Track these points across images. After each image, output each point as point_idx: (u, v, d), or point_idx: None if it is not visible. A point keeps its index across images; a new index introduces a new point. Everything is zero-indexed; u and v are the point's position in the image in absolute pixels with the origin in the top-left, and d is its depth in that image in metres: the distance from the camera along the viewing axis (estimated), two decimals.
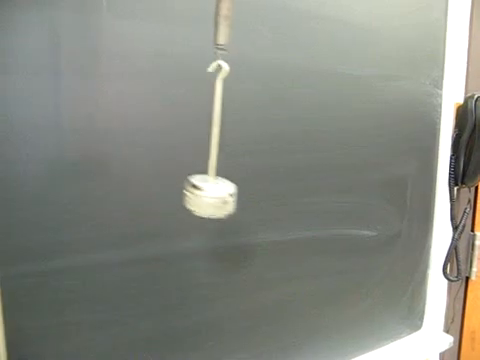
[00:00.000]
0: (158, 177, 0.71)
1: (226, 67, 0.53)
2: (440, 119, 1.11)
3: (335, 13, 0.88)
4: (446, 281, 1.16)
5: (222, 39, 0.55)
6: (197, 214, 0.48)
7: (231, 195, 0.50)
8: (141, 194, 0.70)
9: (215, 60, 0.54)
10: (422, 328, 1.17)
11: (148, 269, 0.72)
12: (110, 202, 0.67)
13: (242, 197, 0.62)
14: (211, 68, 0.54)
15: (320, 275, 0.94)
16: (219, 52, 0.54)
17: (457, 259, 1.13)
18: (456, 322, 1.24)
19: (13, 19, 0.58)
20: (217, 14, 0.55)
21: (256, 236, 0.84)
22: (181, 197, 0.71)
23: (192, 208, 0.49)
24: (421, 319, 1.17)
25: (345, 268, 0.98)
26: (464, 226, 1.14)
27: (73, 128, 0.64)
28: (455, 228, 1.14)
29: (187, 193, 0.49)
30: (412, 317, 1.15)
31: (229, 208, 0.49)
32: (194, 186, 0.49)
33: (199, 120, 0.69)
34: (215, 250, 0.80)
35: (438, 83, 1.09)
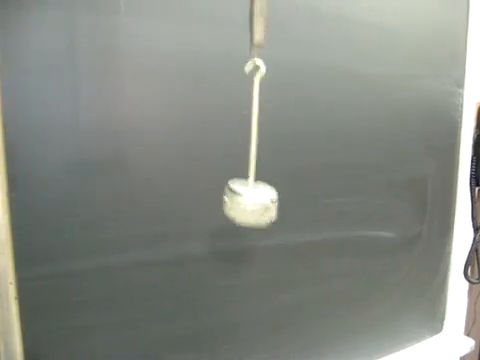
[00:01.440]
0: (175, 179, 0.71)
1: (263, 67, 0.51)
2: (461, 119, 1.10)
3: (355, 13, 0.87)
4: (467, 283, 1.15)
5: (258, 37, 0.53)
6: (238, 222, 0.47)
7: (273, 201, 0.48)
8: (158, 196, 0.69)
9: (251, 59, 0.53)
10: (443, 331, 1.17)
11: (164, 271, 0.72)
12: (126, 204, 0.67)
13: None
14: (247, 68, 0.52)
15: (339, 277, 0.94)
16: (255, 51, 0.53)
17: (478, 261, 1.12)
18: (477, 325, 1.23)
19: (30, 20, 0.57)
20: (252, 12, 0.54)
21: (274, 238, 0.83)
22: (199, 198, 0.71)
23: (232, 216, 0.47)
24: (441, 322, 1.17)
25: (364, 270, 0.98)
26: None
27: (91, 129, 0.63)
28: (476, 229, 1.13)
29: (226, 199, 0.48)
30: (433, 320, 1.15)
31: (271, 215, 0.48)
32: (233, 192, 0.48)
33: (223, 120, 0.69)
34: (233, 252, 0.79)
35: (459, 82, 1.08)
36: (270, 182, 0.78)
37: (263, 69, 0.51)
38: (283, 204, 0.80)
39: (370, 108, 0.92)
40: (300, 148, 0.83)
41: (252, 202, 0.46)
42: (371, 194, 0.96)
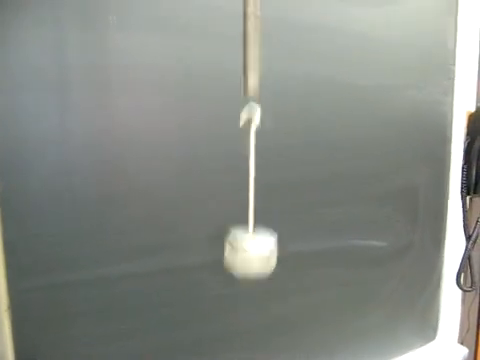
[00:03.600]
0: (173, 189, 0.76)
1: (257, 120, 0.56)
2: (452, 127, 1.15)
3: (344, 24, 0.92)
4: (460, 291, 1.21)
5: (252, 90, 0.58)
6: (241, 275, 0.52)
7: (272, 250, 0.53)
8: (156, 206, 0.74)
9: (246, 113, 0.57)
10: (436, 339, 1.22)
11: (162, 281, 0.76)
12: (124, 216, 0.72)
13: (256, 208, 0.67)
14: (242, 122, 0.56)
15: (331, 286, 0.99)
16: (251, 104, 0.57)
17: (471, 269, 1.18)
18: (471, 333, 1.29)
19: (26, 37, 0.62)
20: (245, 65, 0.58)
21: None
22: (198, 209, 0.75)
23: (235, 270, 0.52)
24: (435, 330, 1.22)
25: (356, 279, 1.03)
26: (477, 235, 1.18)
27: (86, 141, 0.68)
28: (468, 238, 1.18)
29: (227, 256, 0.53)
30: (426, 328, 1.21)
31: (272, 263, 0.53)
32: (234, 248, 0.53)
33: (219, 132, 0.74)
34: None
35: (449, 91, 1.13)
36: (261, 193, 0.85)
37: (258, 121, 0.56)
38: (274, 215, 0.86)
39: (361, 119, 0.97)
40: (291, 159, 0.88)
41: (253, 257, 0.52)
42: (362, 204, 1.01)
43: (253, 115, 0.55)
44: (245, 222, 0.54)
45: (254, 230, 0.55)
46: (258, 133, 0.76)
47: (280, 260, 0.87)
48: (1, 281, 0.43)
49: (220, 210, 0.77)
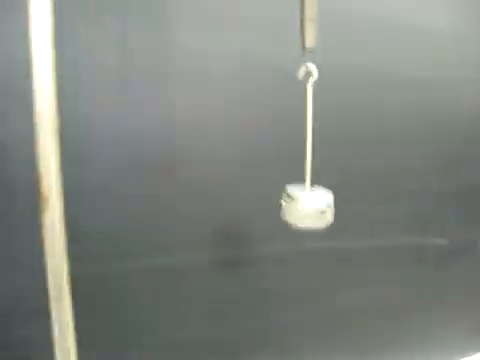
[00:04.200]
0: (228, 183, 0.78)
1: (315, 72, 0.56)
2: None
3: (406, 17, 0.90)
4: None
5: (309, 42, 0.57)
6: (294, 226, 0.52)
7: (329, 205, 0.53)
8: (201, 201, 0.76)
9: (303, 65, 0.57)
10: None
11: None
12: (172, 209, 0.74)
13: None
14: (300, 74, 0.56)
15: (385, 284, 0.97)
16: (307, 56, 0.57)
17: None
18: None
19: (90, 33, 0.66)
20: (303, 18, 0.58)
21: (317, 242, 0.88)
22: (250, 203, 0.76)
23: (289, 220, 0.53)
24: None
25: (413, 278, 1.00)
26: None
27: (138, 133, 0.71)
28: None
29: (283, 204, 0.53)
30: None
31: (328, 218, 0.52)
32: (290, 196, 0.53)
33: (275, 122, 0.74)
34: (277, 255, 0.84)
35: None
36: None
37: (316, 74, 0.55)
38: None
39: (422, 112, 0.94)
40: (347, 153, 0.87)
41: (308, 207, 0.51)
42: (422, 200, 0.97)
43: (311, 68, 0.55)
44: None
45: (311, 186, 0.54)
46: (317, 125, 0.77)
47: (331, 254, 0.88)
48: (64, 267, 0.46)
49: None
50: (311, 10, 0.57)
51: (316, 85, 0.74)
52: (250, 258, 0.81)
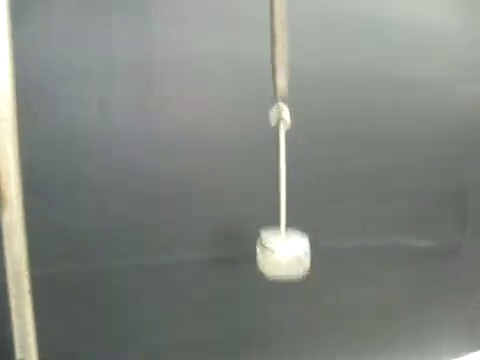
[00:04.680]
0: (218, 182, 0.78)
1: (288, 120, 0.56)
2: None
3: (395, 16, 0.91)
4: None
5: (281, 87, 0.58)
6: (271, 277, 0.52)
7: (306, 252, 0.53)
8: (194, 198, 0.77)
9: (275, 111, 0.58)
10: None
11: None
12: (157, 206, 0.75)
13: (296, 202, 0.67)
14: (273, 122, 0.57)
15: (372, 285, 0.97)
16: (280, 104, 0.58)
17: None
18: None
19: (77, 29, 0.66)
20: (273, 61, 0.58)
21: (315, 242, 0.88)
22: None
23: (264, 270, 0.53)
24: None
25: (400, 279, 1.01)
26: None
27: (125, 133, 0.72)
28: None
29: (258, 254, 0.53)
30: (474, 334, 1.16)
31: (305, 265, 0.53)
32: (264, 246, 0.53)
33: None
34: None
35: None
36: (304, 186, 0.85)
37: (288, 121, 0.56)
38: (317, 209, 0.86)
39: (412, 113, 0.96)
40: (338, 153, 0.88)
41: (284, 256, 0.52)
42: (409, 200, 0.99)
43: (283, 115, 0.56)
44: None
45: (286, 231, 0.55)
46: (305, 125, 0.78)
47: (320, 255, 0.88)
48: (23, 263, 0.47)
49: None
50: (282, 52, 0.58)
51: (309, 85, 0.76)
52: (249, 257, 0.81)
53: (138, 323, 0.77)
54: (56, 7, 0.66)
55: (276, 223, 0.57)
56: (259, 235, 0.55)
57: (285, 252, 0.53)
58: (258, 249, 0.54)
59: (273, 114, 0.57)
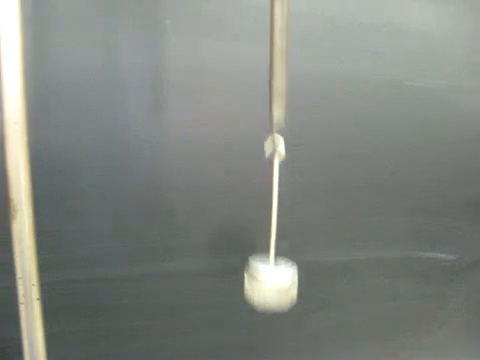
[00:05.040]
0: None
1: (283, 151, 0.58)
2: None
3: (407, 24, 0.90)
4: None
5: (278, 119, 0.60)
6: (258, 305, 0.54)
7: (293, 282, 0.55)
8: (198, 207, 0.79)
9: (271, 144, 0.59)
10: None
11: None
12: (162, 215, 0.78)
13: (312, 213, 0.68)
14: (267, 153, 0.59)
15: (389, 299, 0.98)
16: (276, 135, 0.59)
17: None
18: None
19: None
20: (271, 93, 0.60)
21: (323, 253, 0.90)
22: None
23: (252, 298, 0.55)
24: None
25: (418, 293, 1.01)
26: None
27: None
28: None
29: (245, 282, 0.56)
30: None
31: (292, 295, 0.55)
32: (252, 274, 0.55)
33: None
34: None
35: None
36: (319, 196, 0.87)
37: (283, 153, 0.58)
38: (333, 220, 0.88)
39: (429, 124, 0.95)
40: (355, 164, 0.89)
41: (271, 286, 0.54)
42: (428, 213, 0.98)
43: (278, 147, 0.57)
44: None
45: (275, 260, 0.57)
46: (313, 136, 0.81)
47: (337, 266, 0.90)
48: (33, 272, 0.49)
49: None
50: (280, 84, 0.59)
51: (313, 96, 0.78)
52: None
53: (138, 328, 0.80)
54: (68, 15, 0.68)
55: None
56: (248, 263, 0.57)
57: (272, 282, 0.55)
58: (246, 277, 0.57)
59: (268, 145, 0.58)
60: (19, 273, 0.49)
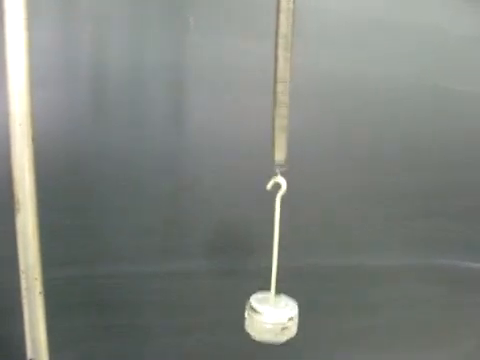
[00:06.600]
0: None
1: (284, 185, 0.59)
2: None
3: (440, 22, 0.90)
4: None
5: (280, 156, 0.60)
6: (255, 338, 0.56)
7: (291, 319, 0.57)
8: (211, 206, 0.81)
9: (273, 177, 0.60)
10: None
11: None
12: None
13: (341, 217, 0.68)
14: (269, 186, 0.60)
15: (420, 305, 0.98)
16: (277, 170, 0.60)
17: None
18: None
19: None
20: (273, 128, 0.60)
21: (351, 259, 0.91)
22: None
23: (250, 332, 0.57)
24: None
25: (449, 301, 1.00)
26: None
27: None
28: None
29: (246, 317, 0.57)
30: None
31: (289, 333, 0.56)
32: (253, 309, 0.57)
33: None
34: (309, 270, 0.88)
35: None
36: (349, 201, 0.87)
37: (284, 187, 0.59)
38: (363, 225, 0.88)
39: (457, 126, 0.95)
40: (382, 167, 0.90)
41: (269, 322, 0.55)
42: (461, 219, 0.98)
43: (280, 181, 0.58)
44: None
45: (276, 296, 0.58)
46: (346, 139, 0.83)
47: (364, 271, 0.91)
48: (36, 266, 0.51)
49: None
50: (282, 120, 0.60)
51: (326, 91, 0.80)
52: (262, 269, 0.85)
53: (142, 328, 0.83)
54: (85, 14, 0.72)
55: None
56: (249, 299, 0.59)
57: (271, 318, 0.56)
58: (246, 312, 0.58)
59: (271, 181, 0.59)
60: (22, 267, 0.50)
